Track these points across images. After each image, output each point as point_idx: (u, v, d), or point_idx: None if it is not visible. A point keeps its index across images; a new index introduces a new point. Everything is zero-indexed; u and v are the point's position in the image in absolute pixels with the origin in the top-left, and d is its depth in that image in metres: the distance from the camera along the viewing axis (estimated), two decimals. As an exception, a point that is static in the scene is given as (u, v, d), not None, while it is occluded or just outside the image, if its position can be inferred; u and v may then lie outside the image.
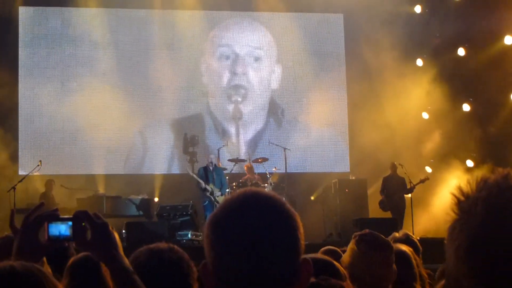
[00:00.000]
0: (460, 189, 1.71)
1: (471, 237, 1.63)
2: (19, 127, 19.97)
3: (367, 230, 4.88)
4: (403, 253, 4.90)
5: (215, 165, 17.18)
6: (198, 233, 16.59)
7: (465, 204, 1.67)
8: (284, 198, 1.99)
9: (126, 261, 2.55)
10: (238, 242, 1.92)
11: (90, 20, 20.45)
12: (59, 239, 2.61)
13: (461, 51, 20.22)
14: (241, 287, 1.92)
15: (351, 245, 4.79)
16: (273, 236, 1.93)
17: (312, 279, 2.86)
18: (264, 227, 1.93)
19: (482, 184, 1.65)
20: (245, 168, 18.22)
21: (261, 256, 1.90)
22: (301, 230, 1.98)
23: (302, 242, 1.97)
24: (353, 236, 4.89)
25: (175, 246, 3.07)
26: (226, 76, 20.95)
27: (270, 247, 1.91)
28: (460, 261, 1.63)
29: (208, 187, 16.75)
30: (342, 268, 3.51)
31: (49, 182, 18.10)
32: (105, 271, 3.69)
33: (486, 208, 1.62)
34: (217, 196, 16.68)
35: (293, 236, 1.96)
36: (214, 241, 1.96)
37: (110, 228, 2.55)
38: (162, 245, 3.02)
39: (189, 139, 19.58)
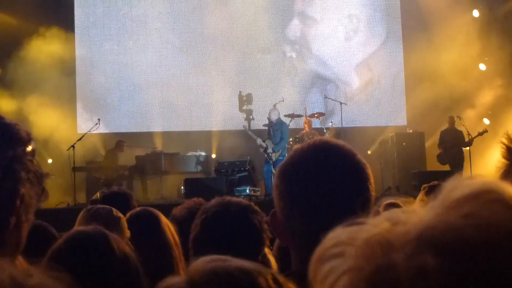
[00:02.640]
0: (509, 136, 1.69)
1: None
2: (77, 86, 20.16)
3: (436, 182, 4.89)
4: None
5: (276, 120, 17.06)
6: (256, 189, 16.69)
7: None
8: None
9: None
10: (307, 191, 1.93)
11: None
12: None
13: (518, 1, 19.89)
14: (309, 236, 1.89)
15: (420, 197, 4.79)
16: (344, 186, 1.93)
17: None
18: (335, 176, 1.93)
19: None
20: (305, 122, 18.15)
21: (331, 206, 1.91)
22: (372, 180, 1.99)
23: (373, 193, 1.98)
24: (422, 187, 4.89)
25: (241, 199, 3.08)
26: (281, 32, 20.84)
27: (341, 197, 1.92)
28: None
29: (264, 144, 16.77)
30: None
31: (120, 143, 18.30)
32: (164, 223, 3.76)
33: None
34: (270, 153, 16.68)
35: (364, 186, 1.96)
36: (283, 190, 1.98)
37: None
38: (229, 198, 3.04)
39: (244, 97, 19.61)
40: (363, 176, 1.96)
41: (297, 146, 2.07)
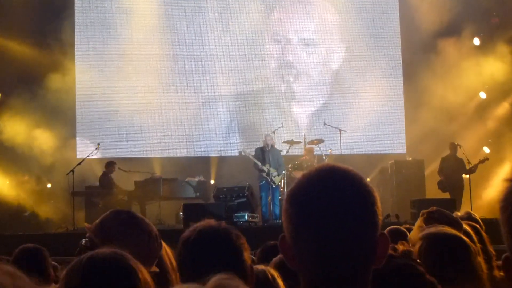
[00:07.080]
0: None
1: None
2: (76, 111, 20.18)
3: (434, 208, 4.84)
4: (464, 230, 4.85)
5: (271, 145, 17.12)
6: (255, 215, 16.67)
7: None
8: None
9: None
10: (316, 215, 1.94)
11: (145, 4, 20.53)
12: None
13: (518, 30, 19.96)
14: (318, 260, 1.95)
15: (419, 223, 4.75)
16: (351, 210, 1.95)
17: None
18: (343, 201, 1.95)
19: None
20: (305, 150, 18.16)
21: (339, 230, 1.93)
22: (379, 204, 2.00)
23: (380, 216, 1.99)
24: (420, 214, 4.85)
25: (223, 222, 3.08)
26: (279, 57, 20.88)
27: (348, 221, 1.94)
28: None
29: (265, 168, 16.75)
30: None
31: (111, 163, 18.20)
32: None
33: None
34: (274, 177, 16.67)
35: (371, 210, 1.97)
36: (292, 214, 1.98)
37: None
38: (211, 221, 3.04)
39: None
40: (370, 200, 1.97)
41: (305, 171, 2.08)
